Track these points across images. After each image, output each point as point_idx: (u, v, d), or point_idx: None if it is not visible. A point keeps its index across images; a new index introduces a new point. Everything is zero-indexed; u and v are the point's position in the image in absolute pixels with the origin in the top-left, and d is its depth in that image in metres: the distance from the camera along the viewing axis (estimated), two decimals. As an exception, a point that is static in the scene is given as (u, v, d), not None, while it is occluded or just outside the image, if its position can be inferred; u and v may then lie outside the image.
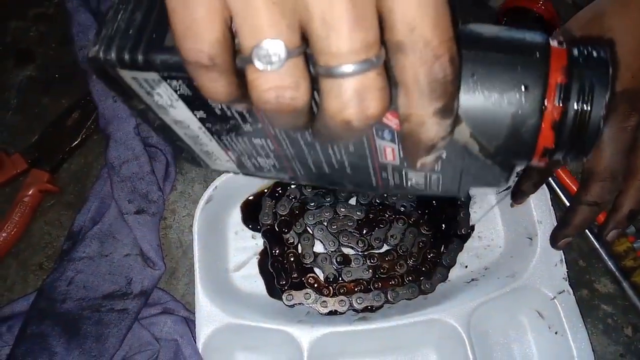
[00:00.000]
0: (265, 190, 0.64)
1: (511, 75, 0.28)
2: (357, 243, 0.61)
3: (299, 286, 0.60)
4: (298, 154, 0.35)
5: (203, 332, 0.56)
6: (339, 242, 0.61)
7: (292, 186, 0.63)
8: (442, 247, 0.62)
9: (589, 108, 0.28)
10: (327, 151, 0.34)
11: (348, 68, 0.23)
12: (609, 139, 0.52)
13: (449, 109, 0.26)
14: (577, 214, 0.55)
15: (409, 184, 0.35)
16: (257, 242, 0.64)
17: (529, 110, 0.28)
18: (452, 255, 0.62)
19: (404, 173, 0.34)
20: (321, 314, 0.60)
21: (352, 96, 0.24)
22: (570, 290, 0.58)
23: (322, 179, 0.37)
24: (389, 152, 0.32)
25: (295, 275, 0.60)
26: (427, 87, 0.24)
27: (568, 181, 0.63)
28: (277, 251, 0.61)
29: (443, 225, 0.62)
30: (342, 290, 0.60)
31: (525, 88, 0.28)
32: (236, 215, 0.64)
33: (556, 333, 0.58)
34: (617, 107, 0.51)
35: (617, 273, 0.61)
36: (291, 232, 0.61)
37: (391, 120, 0.28)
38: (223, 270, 0.62)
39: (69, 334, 0.56)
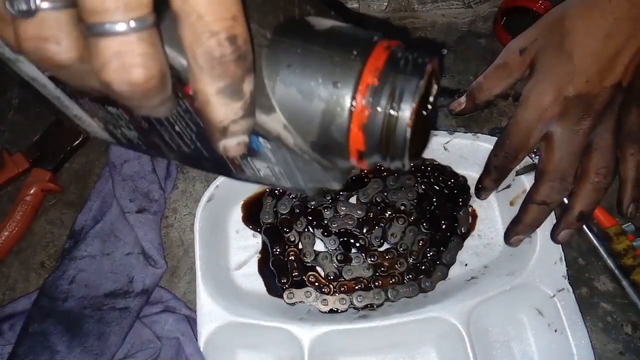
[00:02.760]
0: (267, 190, 0.64)
1: (324, 71, 0.27)
2: (358, 241, 0.61)
3: (300, 284, 0.61)
4: (152, 128, 0.33)
5: (204, 330, 0.56)
6: (340, 240, 0.62)
7: (293, 185, 0.63)
8: (442, 246, 0.62)
9: (395, 113, 0.27)
10: (173, 128, 0.32)
11: (105, 27, 0.22)
12: (560, 140, 0.53)
13: (234, 91, 0.25)
14: (527, 212, 0.56)
15: (260, 173, 0.34)
16: (258, 240, 0.64)
17: (338, 109, 0.27)
18: (452, 254, 0.62)
19: (250, 161, 0.33)
20: (322, 312, 0.60)
21: (109, 58, 0.23)
22: (570, 288, 0.58)
23: (187, 159, 0.35)
24: None
25: (296, 273, 0.61)
26: (205, 64, 0.24)
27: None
28: (277, 250, 0.61)
29: (443, 223, 0.62)
30: (342, 289, 0.60)
31: (335, 85, 0.27)
32: (237, 213, 0.65)
33: (556, 331, 0.58)
34: (569, 110, 0.52)
35: (616, 271, 0.61)
36: (292, 230, 0.62)
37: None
38: (224, 268, 0.62)
39: (71, 332, 0.56)
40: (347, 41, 0.28)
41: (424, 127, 0.29)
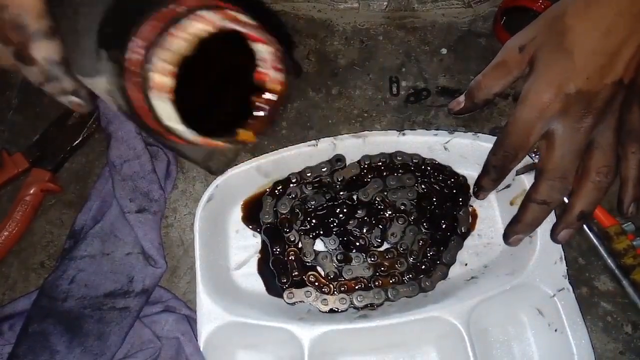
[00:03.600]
0: (267, 190, 0.64)
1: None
2: (358, 241, 0.61)
3: (300, 284, 0.61)
4: None
5: (204, 330, 0.56)
6: (340, 240, 0.62)
7: (293, 185, 0.63)
8: (442, 245, 0.62)
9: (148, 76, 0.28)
10: None
11: None
12: (561, 138, 0.52)
13: (21, 57, 0.27)
14: (527, 212, 0.56)
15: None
16: (257, 240, 0.64)
17: (117, 77, 0.29)
18: (452, 253, 0.62)
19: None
20: (322, 311, 0.60)
21: None
22: (570, 288, 0.58)
23: None
24: None
25: (296, 273, 0.61)
26: None
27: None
28: (277, 249, 0.61)
29: (443, 223, 0.62)
30: (342, 288, 0.60)
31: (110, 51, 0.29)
32: (237, 213, 0.65)
33: (556, 330, 0.58)
34: (570, 107, 0.51)
35: (616, 271, 0.61)
36: (292, 230, 0.62)
37: None
38: (224, 268, 0.62)
39: (71, 332, 0.56)
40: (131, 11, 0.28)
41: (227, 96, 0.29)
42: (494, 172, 0.58)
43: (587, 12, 0.52)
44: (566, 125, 0.52)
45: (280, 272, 0.61)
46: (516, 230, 0.58)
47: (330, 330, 0.56)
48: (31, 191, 0.65)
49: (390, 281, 0.61)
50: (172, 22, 0.28)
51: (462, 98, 0.62)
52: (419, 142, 0.64)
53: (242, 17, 0.30)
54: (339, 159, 0.63)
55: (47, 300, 0.58)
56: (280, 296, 0.60)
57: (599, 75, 0.51)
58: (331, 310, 0.60)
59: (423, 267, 0.61)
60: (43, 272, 0.64)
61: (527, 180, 0.60)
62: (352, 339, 0.58)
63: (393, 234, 0.62)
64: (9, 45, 0.26)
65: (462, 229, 0.63)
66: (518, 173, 0.61)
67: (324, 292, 0.60)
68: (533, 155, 0.59)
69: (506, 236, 0.59)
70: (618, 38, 0.51)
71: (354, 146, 0.63)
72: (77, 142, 0.68)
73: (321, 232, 0.62)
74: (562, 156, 0.53)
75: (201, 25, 0.28)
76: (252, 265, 0.63)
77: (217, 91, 0.32)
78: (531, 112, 0.53)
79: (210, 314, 0.57)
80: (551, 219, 0.59)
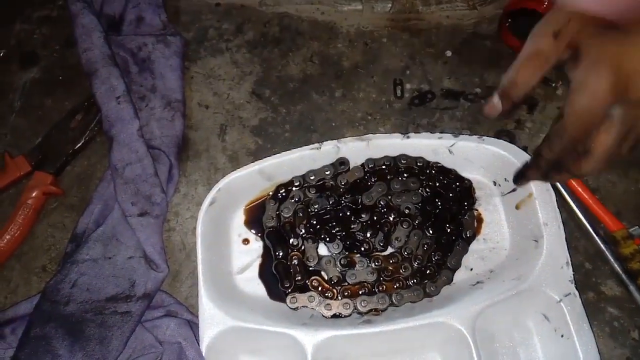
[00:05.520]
0: (270, 193, 0.63)
1: None
2: (362, 245, 0.61)
3: (303, 289, 0.60)
4: None
5: (207, 335, 0.56)
6: (343, 244, 0.61)
7: (296, 188, 0.63)
8: (447, 250, 0.61)
9: None
10: None
11: None
12: (620, 124, 0.49)
13: None
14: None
15: None
16: (260, 244, 0.63)
17: None
18: (457, 258, 0.61)
19: None
20: (325, 317, 0.59)
21: None
22: (577, 293, 0.57)
23: None
24: None
25: (299, 277, 0.60)
26: None
27: (575, 184, 0.63)
28: (280, 254, 0.61)
29: (448, 227, 0.61)
30: (346, 293, 0.60)
31: None
32: (239, 217, 0.64)
33: (562, 336, 0.57)
34: (631, 90, 0.47)
35: (623, 276, 0.61)
36: (295, 234, 0.61)
37: None
38: (226, 272, 0.62)
39: (73, 337, 0.56)
40: None
41: None
42: (547, 166, 0.54)
43: None
44: (626, 109, 0.48)
45: (283, 276, 0.60)
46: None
47: (333, 336, 0.56)
48: (33, 194, 0.65)
49: (395, 286, 0.60)
50: None
51: (496, 100, 0.56)
52: (424, 145, 0.63)
53: None
54: (342, 162, 0.63)
55: (49, 304, 0.58)
56: (283, 301, 0.60)
57: None
58: (335, 316, 0.59)
59: (428, 271, 0.61)
60: (45, 275, 0.64)
61: (534, 184, 0.59)
62: (356, 345, 0.58)
63: (397, 238, 0.61)
64: None
65: (468, 233, 0.62)
66: (515, 181, 0.59)
67: (327, 297, 0.60)
68: None
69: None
70: None
71: (357, 149, 0.63)
72: (79, 145, 0.68)
73: (325, 237, 0.61)
74: (616, 139, 0.49)
75: None
76: (255, 270, 0.62)
77: None
78: (592, 100, 0.48)
79: (213, 319, 0.56)
80: (557, 222, 0.58)
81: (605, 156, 0.50)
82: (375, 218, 0.62)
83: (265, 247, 0.63)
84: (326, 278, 0.61)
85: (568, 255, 0.58)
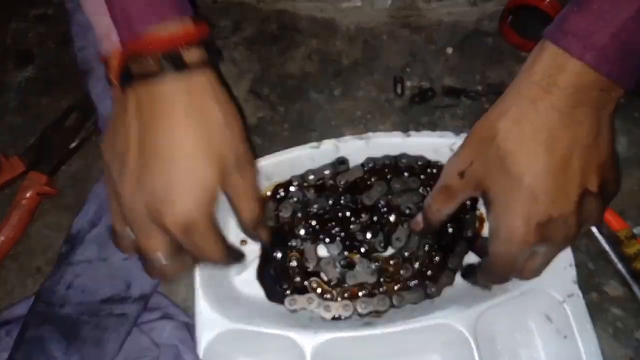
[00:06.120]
0: (268, 193, 0.63)
1: None
2: (362, 246, 0.60)
3: (302, 290, 0.59)
4: None
5: (204, 337, 0.55)
6: (343, 245, 0.60)
7: (294, 188, 0.62)
8: (449, 250, 0.60)
9: None
10: None
11: None
12: (544, 256, 0.50)
13: None
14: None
15: None
16: (258, 245, 0.62)
17: None
18: (459, 259, 0.60)
19: None
20: (325, 319, 0.58)
21: None
22: (580, 294, 0.56)
23: None
24: None
25: (298, 279, 0.59)
26: None
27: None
28: (279, 255, 0.60)
29: (449, 227, 0.61)
30: (346, 295, 0.59)
31: None
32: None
33: (565, 337, 0.57)
34: (547, 234, 0.47)
35: (627, 276, 0.60)
36: (294, 235, 0.60)
37: None
38: (224, 274, 0.61)
39: (68, 339, 0.55)
40: None
41: None
42: (487, 288, 0.58)
43: (520, 132, 0.46)
44: (549, 247, 0.49)
45: (282, 278, 0.60)
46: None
47: (333, 338, 0.55)
48: (28, 195, 0.64)
49: (395, 287, 0.60)
50: None
51: (420, 218, 0.59)
52: (424, 144, 0.62)
53: None
54: (342, 161, 0.62)
55: (44, 306, 0.57)
56: (282, 303, 0.59)
57: (562, 193, 0.46)
58: (334, 318, 0.58)
59: (429, 272, 0.60)
60: (40, 277, 0.63)
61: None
62: (356, 347, 0.57)
63: (398, 238, 0.60)
64: None
65: (469, 233, 0.61)
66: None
67: (326, 299, 0.59)
68: None
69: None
70: (561, 152, 0.45)
71: (357, 148, 0.62)
72: (74, 144, 0.67)
73: (324, 237, 0.61)
74: (541, 266, 0.51)
75: None
76: (253, 271, 0.62)
77: None
78: (508, 247, 0.49)
79: (210, 321, 0.56)
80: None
81: (540, 273, 0.52)
82: (375, 218, 0.61)
83: (263, 248, 0.62)
84: (325, 279, 0.60)
85: (572, 256, 0.57)
